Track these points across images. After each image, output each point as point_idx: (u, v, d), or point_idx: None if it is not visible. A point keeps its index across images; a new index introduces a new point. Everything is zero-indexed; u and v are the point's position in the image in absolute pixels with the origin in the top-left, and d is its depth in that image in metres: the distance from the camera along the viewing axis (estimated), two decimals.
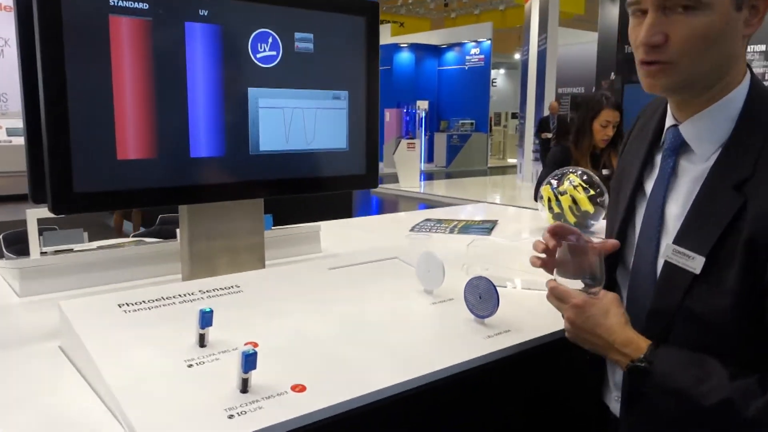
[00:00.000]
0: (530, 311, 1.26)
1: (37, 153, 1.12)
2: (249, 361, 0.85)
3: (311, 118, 1.41)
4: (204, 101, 1.25)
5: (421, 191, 11.21)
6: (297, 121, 1.39)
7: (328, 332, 1.09)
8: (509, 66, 21.09)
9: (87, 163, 1.13)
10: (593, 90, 11.10)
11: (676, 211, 0.96)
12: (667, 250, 0.93)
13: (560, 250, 1.00)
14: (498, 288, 1.14)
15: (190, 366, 0.92)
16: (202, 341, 0.97)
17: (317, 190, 1.49)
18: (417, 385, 0.98)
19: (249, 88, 1.31)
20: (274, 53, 1.33)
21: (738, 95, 0.92)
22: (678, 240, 0.92)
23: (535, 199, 2.98)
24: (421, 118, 14.53)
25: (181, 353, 0.95)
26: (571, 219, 2.11)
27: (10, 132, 12.74)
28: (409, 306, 1.24)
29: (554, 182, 2.18)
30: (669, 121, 1.00)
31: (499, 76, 21.68)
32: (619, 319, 0.94)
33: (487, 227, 2.21)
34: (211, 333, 0.99)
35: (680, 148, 0.97)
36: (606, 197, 2.14)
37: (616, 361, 0.94)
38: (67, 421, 0.83)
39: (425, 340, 1.11)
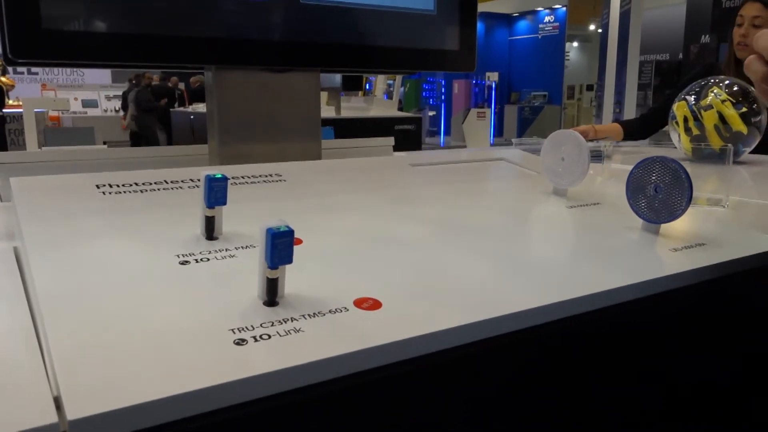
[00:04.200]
0: (719, 226, 0.82)
1: None
2: (280, 244, 0.45)
3: None
4: None
5: None
6: None
7: (413, 235, 0.69)
8: (582, 38, 20.03)
9: None
10: (679, 57, 10.20)
11: None
12: None
13: None
14: None
15: (184, 263, 0.54)
16: (210, 230, 0.59)
17: (392, 66, 1.08)
18: (568, 314, 0.57)
19: None
20: None
21: None
22: None
23: (644, 136, 2.45)
24: (491, 90, 13.89)
25: (174, 246, 0.57)
26: (716, 142, 1.62)
27: (86, 103, 13.12)
28: (534, 208, 0.82)
29: (691, 98, 1.69)
30: None
31: (572, 49, 20.62)
32: None
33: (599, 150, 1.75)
34: (230, 224, 0.61)
35: None
36: (764, 116, 1.64)
37: None
38: None
39: (568, 252, 0.70)
